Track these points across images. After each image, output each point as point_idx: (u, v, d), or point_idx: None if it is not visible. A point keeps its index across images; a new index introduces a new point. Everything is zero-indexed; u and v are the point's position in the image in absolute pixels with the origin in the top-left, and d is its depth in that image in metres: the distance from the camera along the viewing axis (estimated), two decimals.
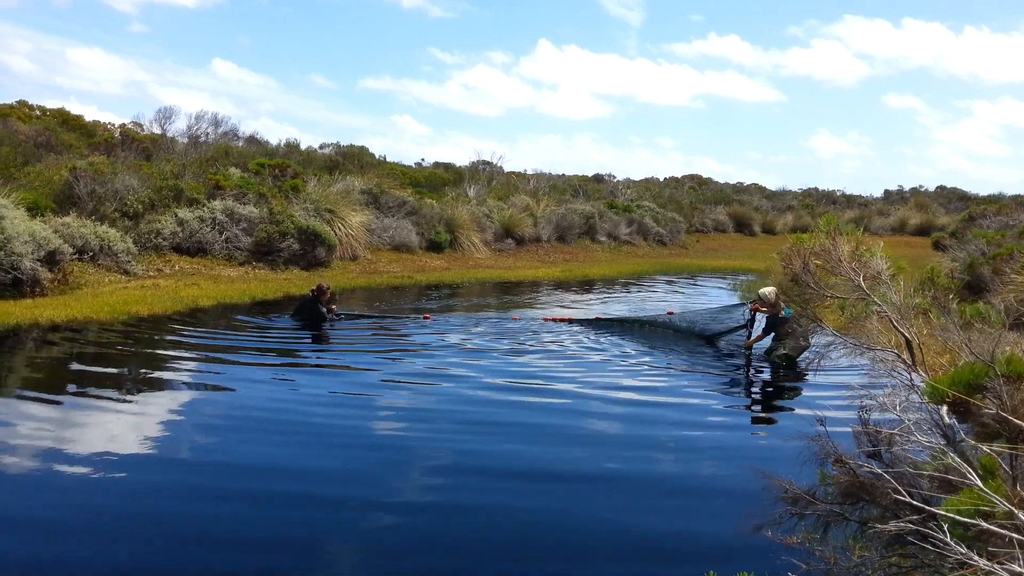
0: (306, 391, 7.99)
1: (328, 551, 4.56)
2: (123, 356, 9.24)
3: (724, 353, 10.39)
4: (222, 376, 8.65)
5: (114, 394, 7.59)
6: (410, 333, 11.54)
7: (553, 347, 10.58)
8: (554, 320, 12.32)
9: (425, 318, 12.64)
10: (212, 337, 10.57)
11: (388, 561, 4.49)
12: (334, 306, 12.36)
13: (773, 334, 9.76)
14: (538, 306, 15.57)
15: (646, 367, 9.56)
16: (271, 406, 7.38)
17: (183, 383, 8.23)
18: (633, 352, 10.35)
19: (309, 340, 11.14)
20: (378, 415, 7.35)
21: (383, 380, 8.53)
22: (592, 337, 11.17)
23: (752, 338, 9.97)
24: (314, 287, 12.18)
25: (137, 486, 5.39)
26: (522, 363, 9.60)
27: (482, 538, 4.81)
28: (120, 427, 6.56)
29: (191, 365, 9.06)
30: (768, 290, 9.83)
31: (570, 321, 12.17)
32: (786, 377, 9.36)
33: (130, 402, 7.39)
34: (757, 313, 9.95)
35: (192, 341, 10.23)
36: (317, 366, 9.51)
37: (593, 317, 12.25)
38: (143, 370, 8.69)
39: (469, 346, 10.50)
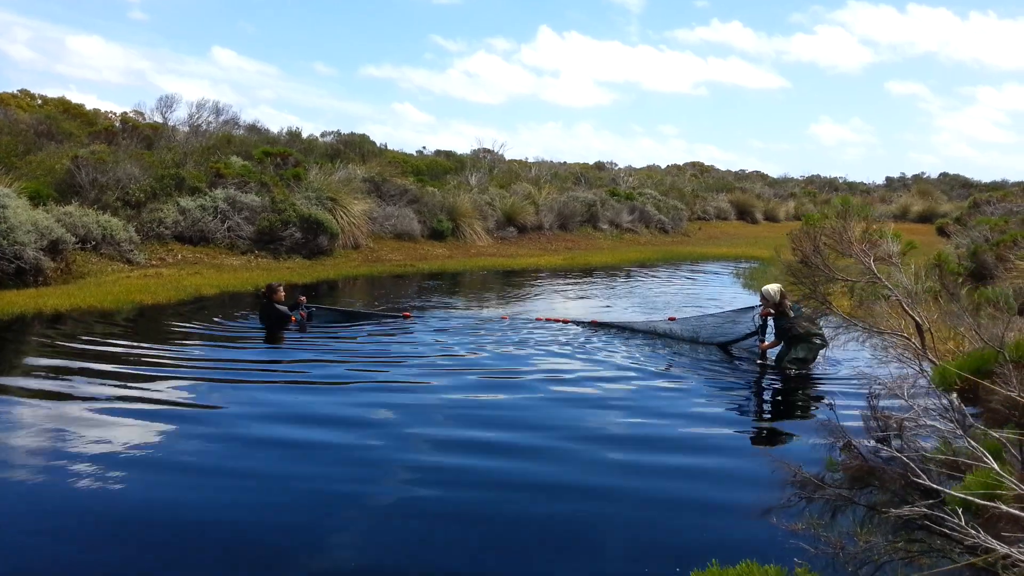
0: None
1: None
2: (121, 348, 9.25)
3: (735, 356, 9.58)
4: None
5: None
6: (384, 335, 10.45)
7: (540, 350, 9.58)
8: (548, 320, 11.69)
9: (405, 316, 11.70)
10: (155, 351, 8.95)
11: None
12: (302, 298, 11.20)
13: (785, 338, 8.77)
14: (533, 299, 15.42)
15: (648, 364, 9.11)
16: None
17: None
18: (632, 350, 9.79)
19: (263, 348, 9.81)
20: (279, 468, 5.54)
21: (318, 408, 7.02)
22: (587, 337, 10.51)
23: (766, 343, 9.11)
24: (264, 287, 10.96)
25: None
26: (498, 376, 8.34)
27: None
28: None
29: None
30: (771, 288, 8.85)
31: (565, 322, 11.53)
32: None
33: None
34: (767, 317, 9.02)
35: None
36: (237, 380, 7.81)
37: (589, 320, 11.43)
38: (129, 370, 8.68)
39: (439, 359, 9.07)
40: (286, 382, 7.99)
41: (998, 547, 2.04)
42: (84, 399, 6.93)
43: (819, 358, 8.84)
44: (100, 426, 6.18)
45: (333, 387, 7.83)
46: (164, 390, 7.31)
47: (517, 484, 5.31)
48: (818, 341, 8.60)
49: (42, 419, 6.38)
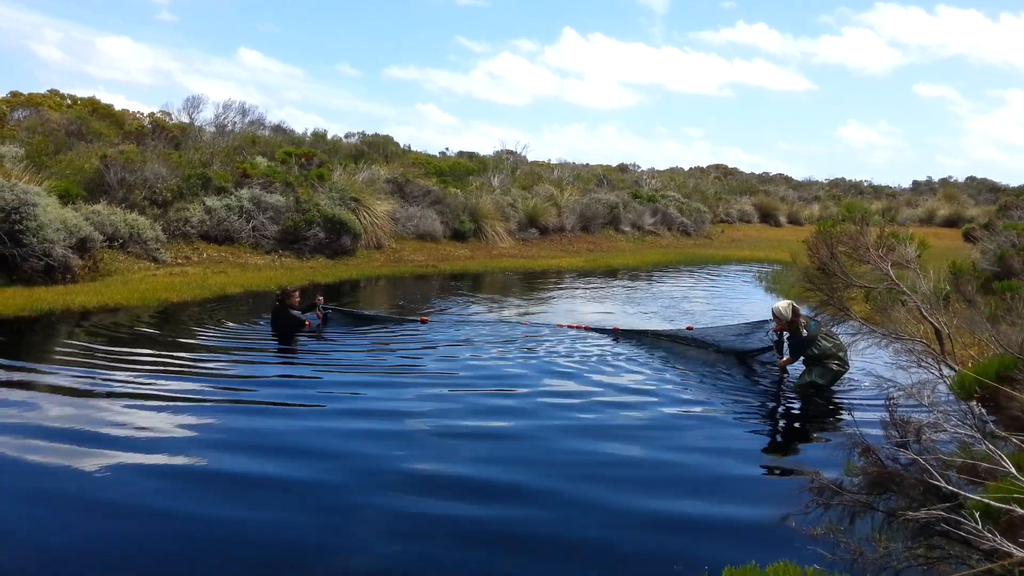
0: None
1: None
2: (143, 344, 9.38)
3: (757, 371, 9.23)
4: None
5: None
6: (397, 343, 10.14)
7: (556, 362, 9.16)
8: (570, 327, 11.56)
9: (422, 321, 11.60)
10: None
11: None
12: (320, 298, 10.94)
13: (802, 357, 8.28)
14: (555, 302, 15.42)
15: (664, 373, 8.95)
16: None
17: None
18: (649, 360, 9.56)
19: (275, 353, 9.63)
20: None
21: (305, 436, 6.22)
22: (605, 346, 10.23)
23: (784, 360, 8.68)
24: (278, 291, 10.70)
25: None
26: (517, 386, 7.97)
27: None
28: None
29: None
30: (782, 305, 8.32)
31: (587, 329, 11.39)
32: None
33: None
34: (783, 332, 8.52)
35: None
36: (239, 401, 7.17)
37: (611, 328, 11.26)
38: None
39: (445, 374, 8.50)
40: (276, 403, 7.18)
41: (1015, 551, 2.04)
42: (99, 402, 6.98)
43: (837, 383, 8.23)
44: (103, 439, 6.09)
45: (324, 411, 6.98)
46: (152, 408, 6.76)
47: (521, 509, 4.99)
48: (836, 366, 7.98)
49: (51, 419, 6.44)
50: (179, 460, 5.59)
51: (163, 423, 6.40)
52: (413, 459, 5.77)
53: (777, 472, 6.01)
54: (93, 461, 5.49)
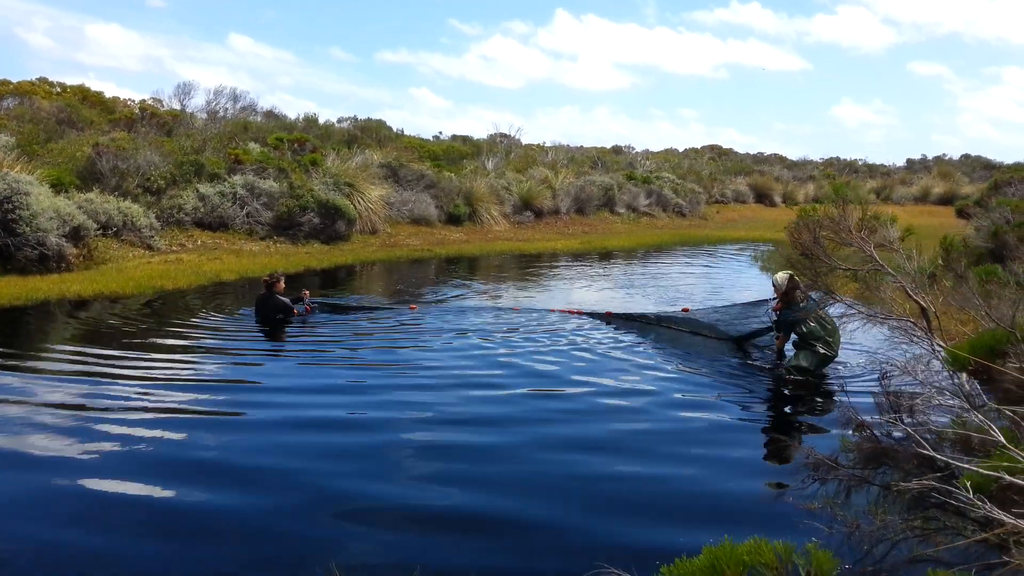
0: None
1: None
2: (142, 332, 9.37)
3: (751, 354, 9.06)
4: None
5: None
6: (382, 332, 9.82)
7: (544, 351, 8.80)
8: (563, 311, 11.35)
9: (411, 308, 11.38)
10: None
11: None
12: (306, 292, 10.72)
13: (793, 337, 8.16)
14: (549, 285, 15.44)
15: (655, 355, 8.85)
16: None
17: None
18: (641, 345, 9.35)
19: (257, 348, 9.06)
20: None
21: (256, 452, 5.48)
22: (598, 332, 9.97)
23: (780, 338, 8.56)
24: (266, 276, 10.37)
25: None
26: (502, 385, 7.40)
27: None
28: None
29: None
30: (781, 276, 8.33)
31: (580, 313, 11.19)
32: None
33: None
34: (780, 312, 8.38)
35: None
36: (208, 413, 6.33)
37: (604, 312, 11.03)
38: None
39: (422, 369, 7.90)
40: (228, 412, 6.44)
41: (1006, 518, 2.07)
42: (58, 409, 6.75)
43: (827, 367, 8.01)
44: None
45: (288, 420, 6.21)
46: (102, 420, 6.08)
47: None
48: (822, 349, 7.70)
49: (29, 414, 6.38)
50: (117, 484, 4.89)
51: (112, 435, 5.72)
52: (380, 481, 5.07)
53: (773, 448, 6.05)
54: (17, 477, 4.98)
